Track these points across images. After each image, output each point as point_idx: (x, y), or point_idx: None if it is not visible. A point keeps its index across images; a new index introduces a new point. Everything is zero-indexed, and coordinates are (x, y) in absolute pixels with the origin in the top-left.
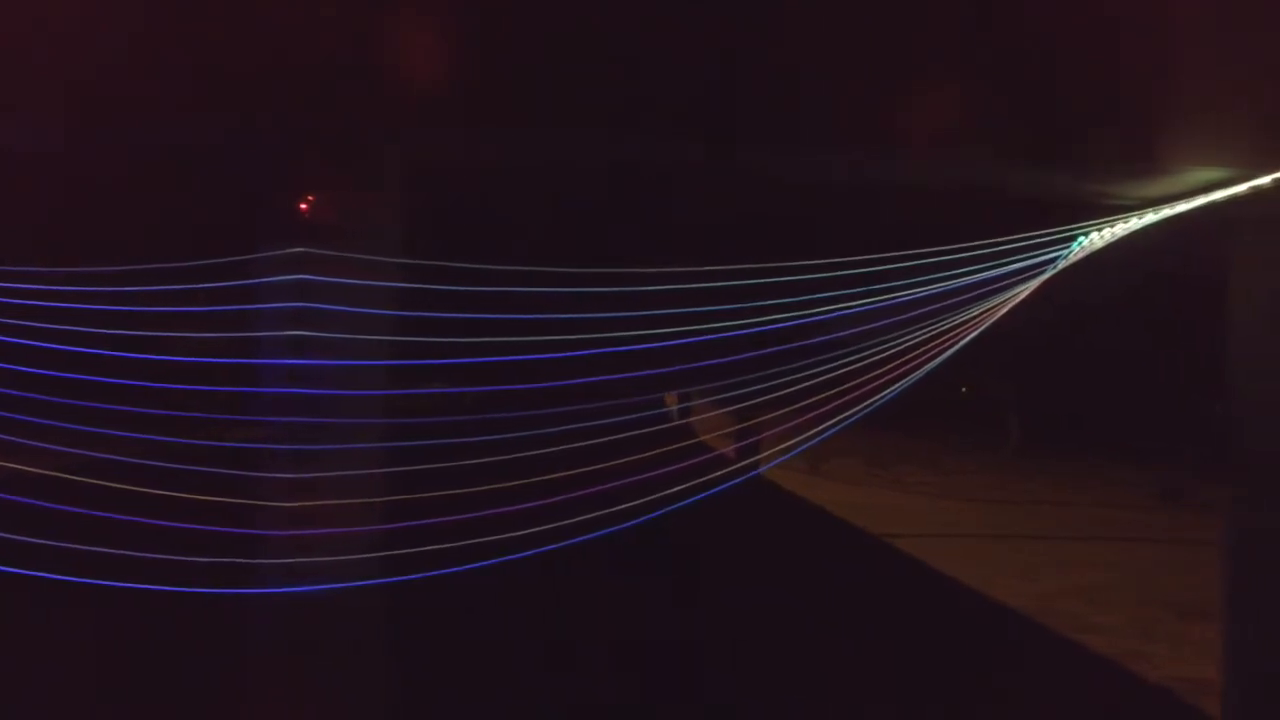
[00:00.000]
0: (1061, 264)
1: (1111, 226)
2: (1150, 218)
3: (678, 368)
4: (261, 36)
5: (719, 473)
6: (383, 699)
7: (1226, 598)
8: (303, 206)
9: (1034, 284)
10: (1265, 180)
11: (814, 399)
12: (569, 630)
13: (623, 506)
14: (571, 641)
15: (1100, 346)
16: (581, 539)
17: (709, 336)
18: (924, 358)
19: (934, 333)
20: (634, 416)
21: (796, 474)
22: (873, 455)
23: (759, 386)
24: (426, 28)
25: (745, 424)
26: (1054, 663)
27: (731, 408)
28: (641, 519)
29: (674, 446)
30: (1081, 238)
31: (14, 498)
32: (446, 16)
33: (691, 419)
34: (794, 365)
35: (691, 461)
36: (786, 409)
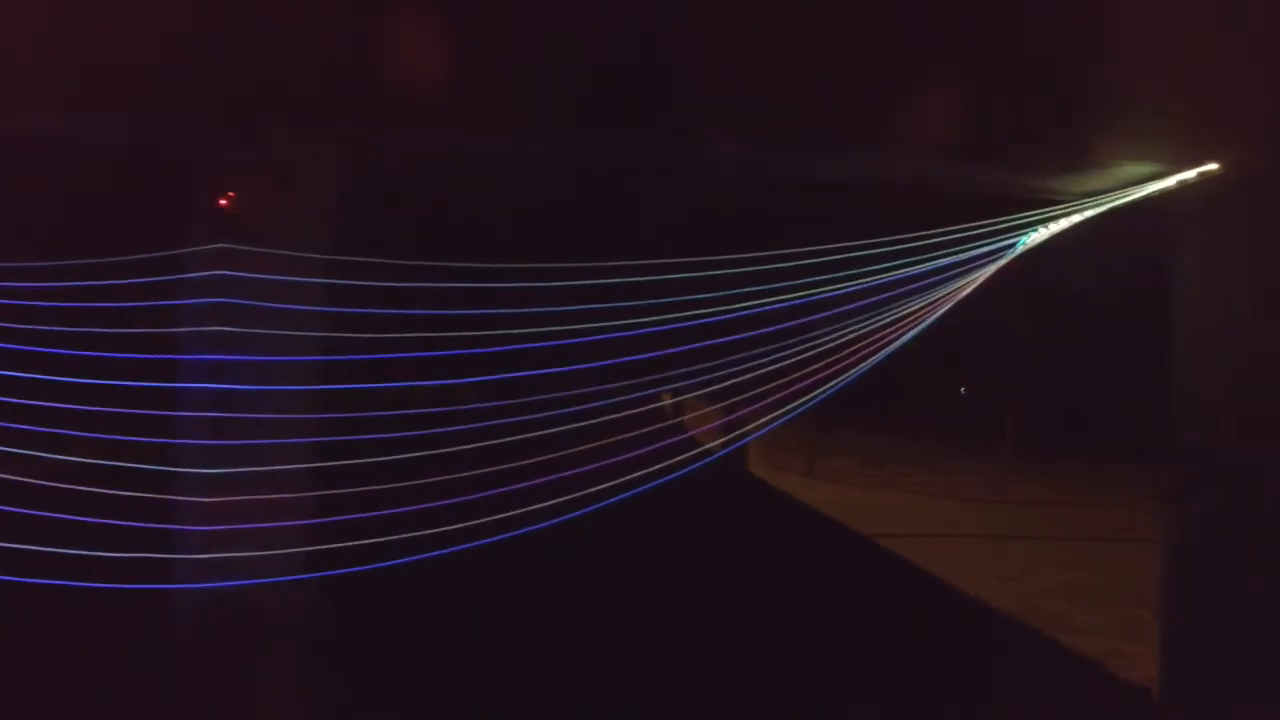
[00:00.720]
0: (1008, 258)
1: (1050, 222)
2: (1090, 212)
3: (606, 362)
4: (182, 34)
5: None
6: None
7: (1163, 581)
8: (223, 202)
9: (978, 277)
10: (1191, 174)
11: (756, 390)
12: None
13: (566, 498)
14: (520, 639)
15: (1098, 344)
16: (543, 525)
17: (638, 331)
18: (867, 350)
19: (876, 326)
20: (577, 409)
21: (791, 475)
22: (869, 456)
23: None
24: (356, 29)
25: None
26: (1030, 663)
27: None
28: (572, 513)
29: (610, 440)
30: (1023, 237)
31: None
32: (374, 16)
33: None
34: (735, 357)
35: (626, 456)
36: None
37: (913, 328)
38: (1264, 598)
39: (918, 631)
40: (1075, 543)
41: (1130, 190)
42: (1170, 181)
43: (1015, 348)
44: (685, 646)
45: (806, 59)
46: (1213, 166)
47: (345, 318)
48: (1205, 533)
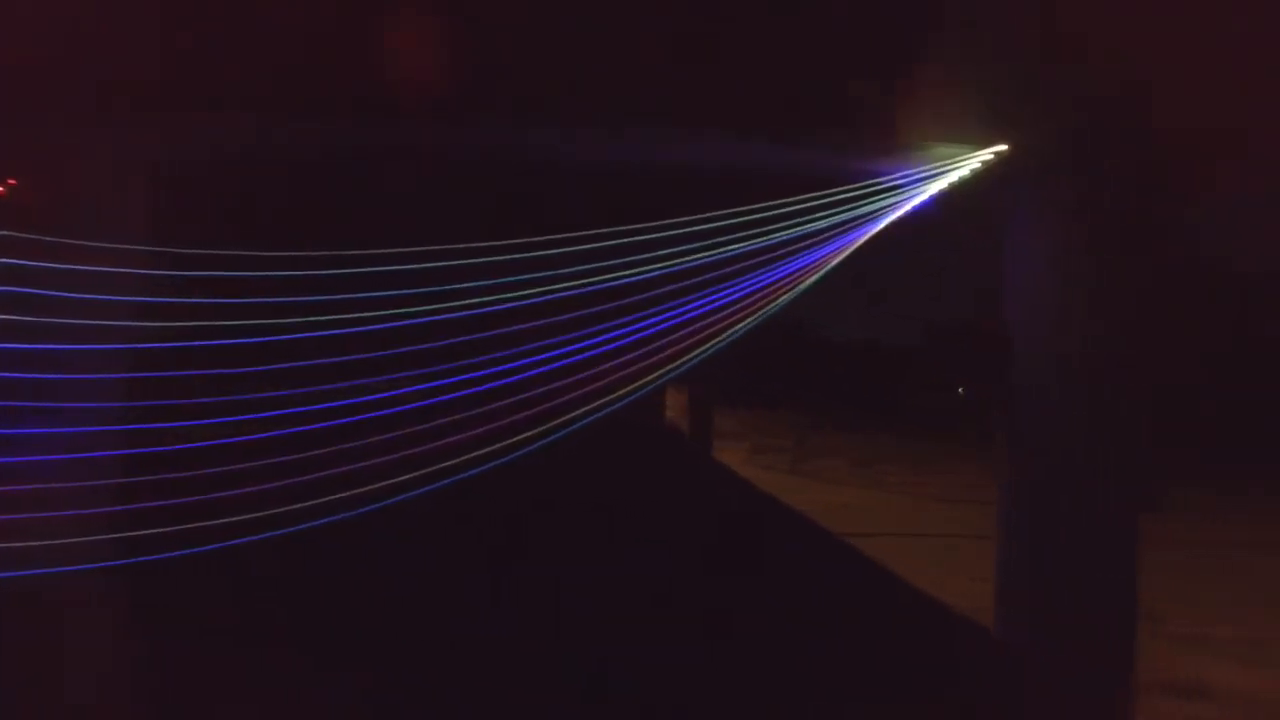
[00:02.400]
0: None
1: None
2: (902, 195)
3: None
4: None
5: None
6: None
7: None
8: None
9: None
10: (988, 154)
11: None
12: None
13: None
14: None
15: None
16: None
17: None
18: (712, 327)
19: (717, 303)
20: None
21: (775, 474)
22: (859, 456)
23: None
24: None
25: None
26: (983, 666)
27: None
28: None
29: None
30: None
31: None
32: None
33: None
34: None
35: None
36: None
37: (763, 306)
38: (1069, 548)
39: (868, 630)
40: None
41: (932, 171)
42: (972, 162)
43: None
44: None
45: (614, 40)
46: (1002, 148)
47: (139, 306)
48: (1027, 492)
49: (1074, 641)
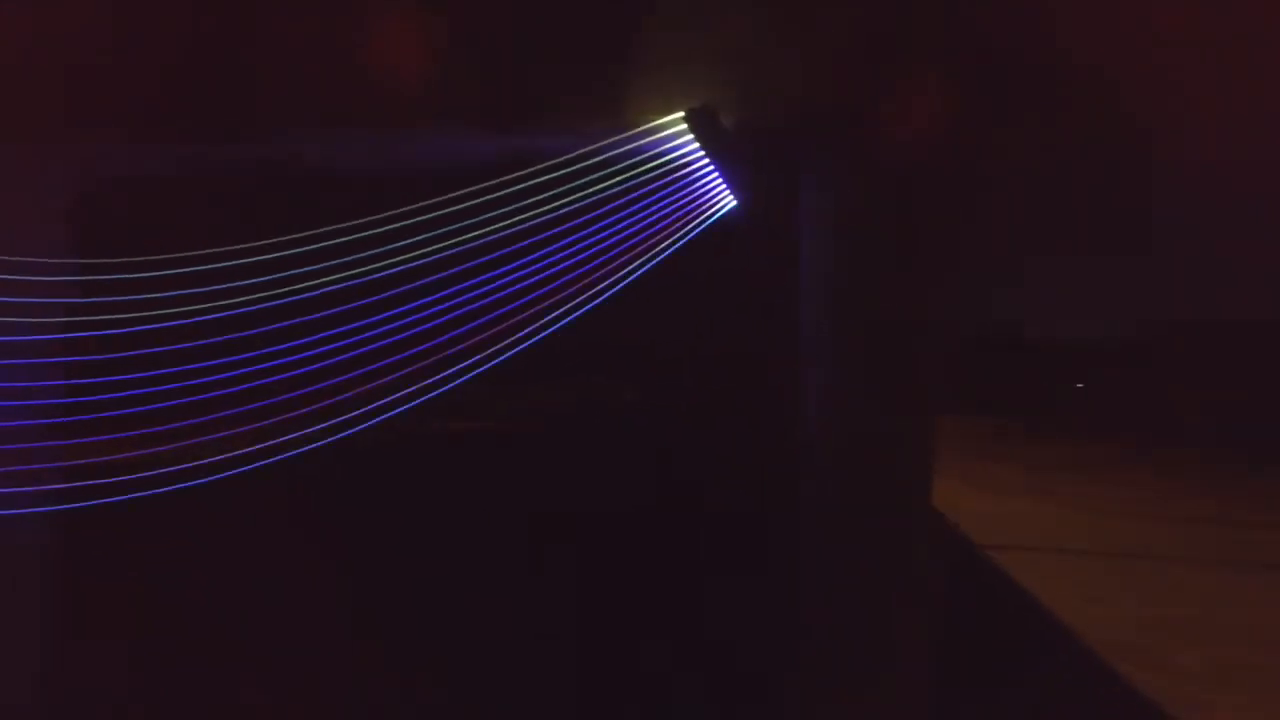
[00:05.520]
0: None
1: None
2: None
3: None
4: None
5: None
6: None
7: None
8: None
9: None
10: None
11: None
12: None
13: None
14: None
15: None
16: None
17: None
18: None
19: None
20: None
21: (943, 479)
22: (1036, 463)
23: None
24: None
25: None
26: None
27: None
28: None
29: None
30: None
31: None
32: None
33: None
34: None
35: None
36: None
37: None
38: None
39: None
40: (1232, 567)
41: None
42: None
43: None
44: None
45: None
46: (679, 115)
47: None
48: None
49: None
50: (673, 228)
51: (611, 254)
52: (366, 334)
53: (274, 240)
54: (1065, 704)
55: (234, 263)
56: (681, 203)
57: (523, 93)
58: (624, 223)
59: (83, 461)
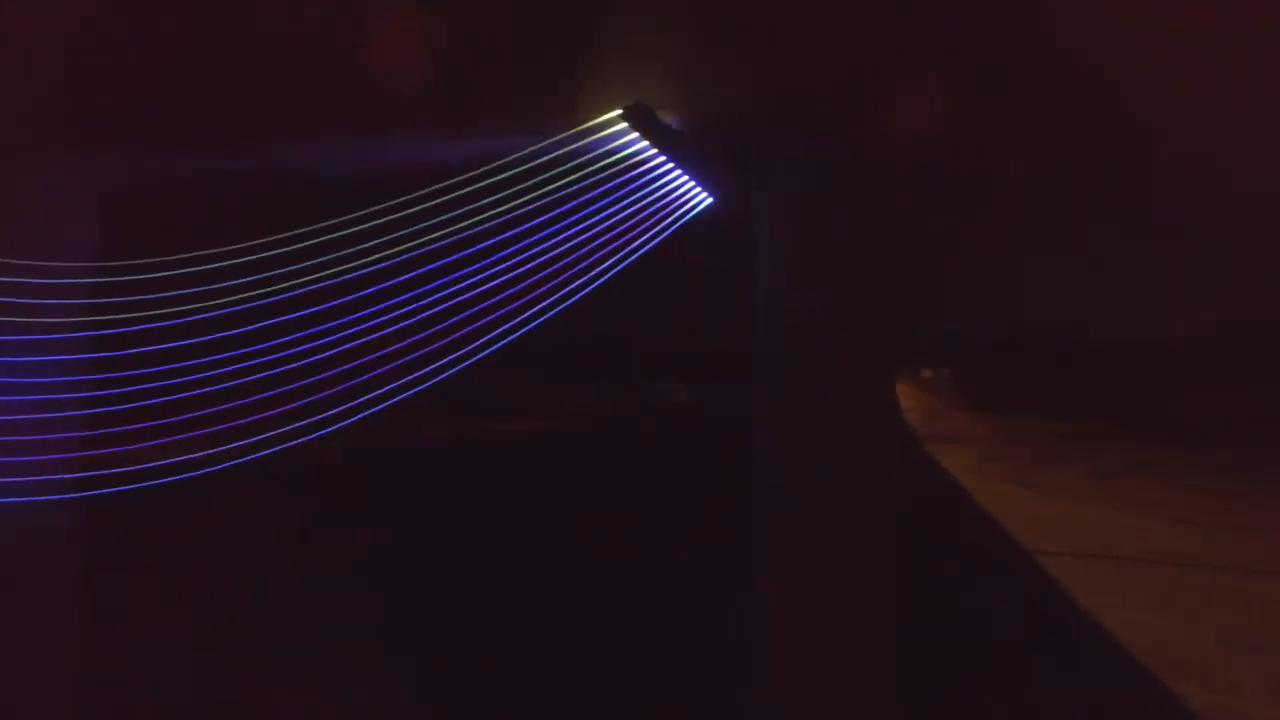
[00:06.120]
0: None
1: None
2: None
3: None
4: None
5: None
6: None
7: None
8: None
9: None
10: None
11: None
12: None
13: None
14: None
15: None
16: None
17: None
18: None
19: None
20: None
21: (999, 483)
22: (1098, 465)
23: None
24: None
25: None
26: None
27: None
28: None
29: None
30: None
31: None
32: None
33: None
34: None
35: None
36: None
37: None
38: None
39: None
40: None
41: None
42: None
43: None
44: None
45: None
46: (617, 113)
47: None
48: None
49: None
50: (644, 224)
51: (585, 250)
52: (339, 334)
53: (238, 246)
54: None
55: (202, 268)
56: (649, 200)
57: (481, 93)
58: (596, 218)
59: (97, 453)
